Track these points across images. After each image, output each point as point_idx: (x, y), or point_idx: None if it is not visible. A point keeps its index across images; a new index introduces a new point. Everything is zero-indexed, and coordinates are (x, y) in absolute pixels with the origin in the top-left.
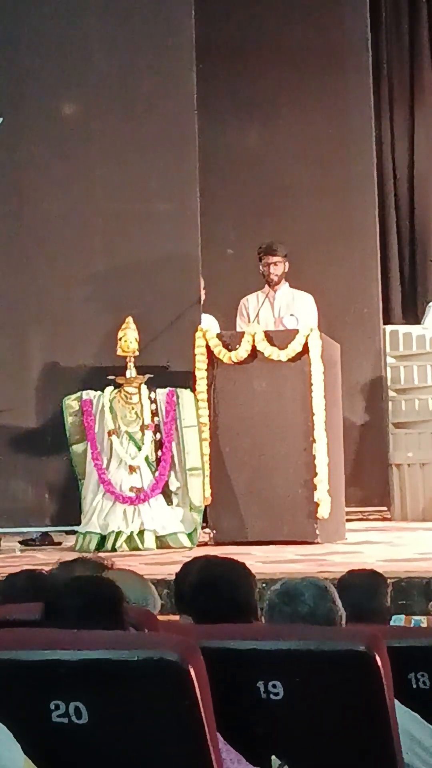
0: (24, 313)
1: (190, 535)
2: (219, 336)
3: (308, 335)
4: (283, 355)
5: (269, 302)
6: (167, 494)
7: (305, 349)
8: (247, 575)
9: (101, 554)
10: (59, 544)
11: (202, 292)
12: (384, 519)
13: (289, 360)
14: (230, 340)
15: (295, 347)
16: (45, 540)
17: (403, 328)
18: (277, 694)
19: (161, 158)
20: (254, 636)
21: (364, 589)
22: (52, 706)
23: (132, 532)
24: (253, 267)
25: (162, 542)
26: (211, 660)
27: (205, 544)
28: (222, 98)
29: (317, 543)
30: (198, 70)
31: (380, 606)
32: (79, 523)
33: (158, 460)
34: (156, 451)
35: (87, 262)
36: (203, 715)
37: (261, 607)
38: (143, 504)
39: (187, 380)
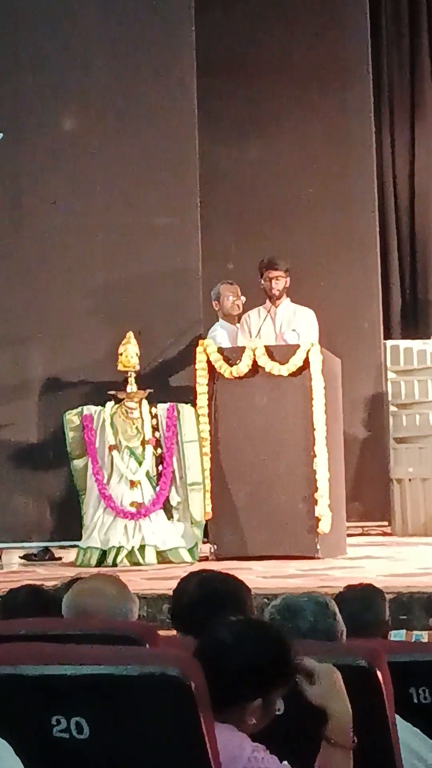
0: (25, 328)
1: (191, 550)
2: (220, 351)
3: (309, 350)
4: (284, 370)
5: (270, 318)
6: (168, 509)
7: (306, 363)
8: (243, 590)
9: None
10: (60, 559)
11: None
12: (385, 534)
13: (290, 375)
14: (231, 355)
15: (296, 362)
16: (46, 555)
17: (403, 343)
18: (278, 710)
19: (162, 172)
20: None
21: (358, 601)
22: (54, 721)
23: (133, 547)
24: (254, 281)
25: (163, 557)
26: None
27: (206, 558)
28: (222, 112)
29: (318, 558)
30: (198, 85)
31: (376, 617)
32: (80, 538)
33: (159, 475)
34: (157, 466)
35: (88, 277)
36: (205, 730)
37: None
38: (144, 519)
39: (188, 395)
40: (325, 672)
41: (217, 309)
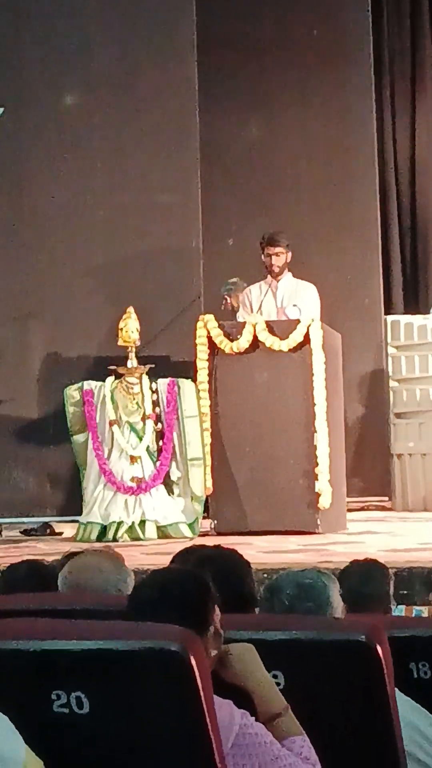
0: (26, 305)
1: (191, 525)
2: (220, 326)
3: (310, 325)
4: (285, 345)
5: (272, 292)
6: (168, 484)
7: (306, 339)
8: (245, 565)
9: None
10: (60, 534)
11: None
12: (385, 509)
13: (290, 350)
14: (232, 330)
15: (296, 337)
16: (46, 530)
17: (404, 318)
18: (278, 684)
19: (163, 150)
20: (254, 626)
21: (359, 575)
22: (54, 696)
23: (133, 523)
24: (255, 258)
25: (163, 532)
26: None
27: (207, 534)
28: (223, 91)
29: (318, 533)
30: (199, 63)
31: (377, 592)
32: (80, 514)
33: (159, 450)
34: (157, 441)
35: (89, 254)
36: (204, 705)
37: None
38: (144, 494)
39: (189, 370)
40: (238, 650)
41: (228, 306)
